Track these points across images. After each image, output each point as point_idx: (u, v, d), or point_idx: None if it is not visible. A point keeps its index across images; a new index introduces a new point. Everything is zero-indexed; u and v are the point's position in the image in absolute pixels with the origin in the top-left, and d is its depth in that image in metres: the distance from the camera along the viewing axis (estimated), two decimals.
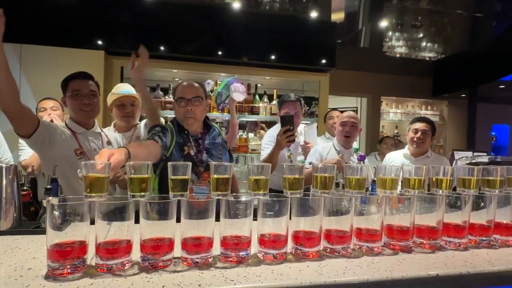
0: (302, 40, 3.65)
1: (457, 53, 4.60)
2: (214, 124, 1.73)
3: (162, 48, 3.30)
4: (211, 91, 3.00)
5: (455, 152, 4.35)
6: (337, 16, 4.17)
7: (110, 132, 1.85)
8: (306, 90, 3.99)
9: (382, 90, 4.80)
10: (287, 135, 1.81)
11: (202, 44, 3.44)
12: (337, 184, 1.95)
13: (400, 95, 4.92)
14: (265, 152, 2.17)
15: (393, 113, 4.94)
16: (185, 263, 0.78)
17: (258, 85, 3.88)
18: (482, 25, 4.32)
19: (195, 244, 0.78)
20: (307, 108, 3.79)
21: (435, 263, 0.83)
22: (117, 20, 3.11)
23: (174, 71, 3.49)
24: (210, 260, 0.79)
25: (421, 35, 4.57)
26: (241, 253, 0.79)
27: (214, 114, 3.22)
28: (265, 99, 3.51)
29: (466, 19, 4.33)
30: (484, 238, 1.01)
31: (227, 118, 3.33)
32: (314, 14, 3.69)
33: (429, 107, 5.10)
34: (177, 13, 3.34)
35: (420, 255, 0.89)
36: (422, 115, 5.06)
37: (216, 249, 0.82)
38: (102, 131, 1.73)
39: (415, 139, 2.48)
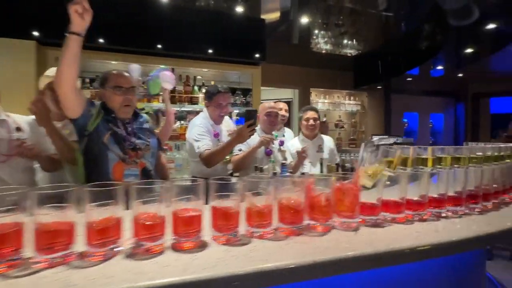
0: (236, 35, 4.12)
1: (372, 49, 5.48)
2: (142, 113, 1.85)
3: (100, 39, 3.48)
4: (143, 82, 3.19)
5: (373, 136, 5.23)
6: (273, 15, 4.75)
7: (21, 117, 1.76)
8: (242, 82, 4.47)
9: (311, 82, 5.51)
10: (251, 129, 1.94)
11: (142, 37, 3.70)
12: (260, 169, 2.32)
13: (326, 87, 5.69)
14: (203, 144, 2.10)
15: (321, 103, 5.69)
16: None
17: (198, 77, 4.27)
18: (393, 25, 5.25)
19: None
20: (244, 98, 4.30)
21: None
22: (51, 10, 3.18)
23: (113, 62, 3.68)
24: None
25: (343, 32, 5.37)
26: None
27: (148, 104, 3.52)
28: (203, 90, 3.90)
29: (379, 19, 5.23)
30: (372, 217, 0.95)
31: (158, 108, 3.61)
32: (246, 11, 4.21)
33: (352, 98, 5.97)
34: (115, 4, 3.50)
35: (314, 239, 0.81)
36: (345, 105, 5.92)
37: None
38: (8, 117, 1.68)
39: (309, 125, 2.85)
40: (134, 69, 2.76)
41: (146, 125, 1.74)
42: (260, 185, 0.85)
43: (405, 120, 6.81)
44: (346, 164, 2.72)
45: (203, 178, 0.81)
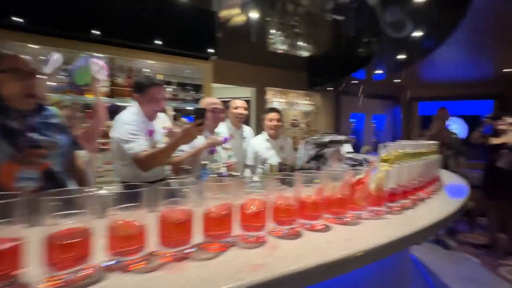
0: (186, 26, 3.76)
1: (324, 52, 5.58)
2: (51, 107, 1.59)
3: (22, 20, 2.82)
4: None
5: (324, 134, 5.33)
6: (232, 12, 4.49)
7: None
8: (194, 78, 4.12)
9: (267, 81, 5.40)
10: (199, 129, 1.77)
11: (74, 18, 3.11)
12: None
13: (282, 86, 5.64)
14: (138, 144, 1.83)
15: (277, 102, 5.62)
16: None
17: (144, 70, 3.80)
18: (342, 29, 5.40)
19: None
20: (195, 94, 3.97)
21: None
22: None
23: (33, 46, 3.02)
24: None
25: (298, 33, 5.37)
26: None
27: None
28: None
29: (331, 23, 5.34)
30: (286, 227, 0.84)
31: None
32: (198, 2, 3.86)
33: (306, 98, 6.04)
34: None
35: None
36: (300, 105, 5.95)
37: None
38: None
39: (272, 125, 3.02)
40: (53, 58, 2.31)
41: (54, 120, 1.51)
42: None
43: (353, 120, 7.16)
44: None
45: (135, 183, 0.67)
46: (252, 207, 0.76)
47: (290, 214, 0.83)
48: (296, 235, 0.82)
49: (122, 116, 1.96)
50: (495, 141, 4.16)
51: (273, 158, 2.84)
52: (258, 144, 2.98)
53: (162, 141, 2.07)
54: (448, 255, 4.19)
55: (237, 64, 4.97)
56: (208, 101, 2.38)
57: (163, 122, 2.22)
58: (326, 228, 0.90)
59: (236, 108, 2.85)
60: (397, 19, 4.31)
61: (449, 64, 5.66)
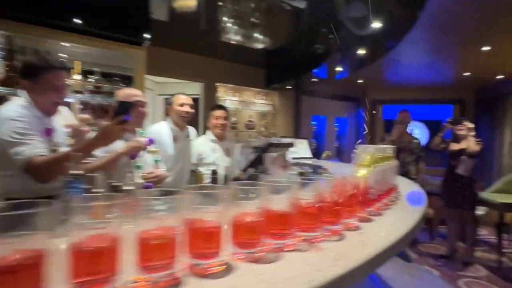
0: (112, 3, 3.13)
1: (283, 46, 5.16)
2: None
3: None
4: None
5: (281, 138, 4.89)
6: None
7: None
8: (124, 67, 3.48)
9: (218, 77, 4.87)
10: (122, 128, 1.44)
11: None
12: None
13: (236, 83, 5.14)
14: (31, 147, 1.40)
15: (229, 100, 5.11)
16: None
17: (61, 54, 3.11)
18: (302, 21, 5.02)
19: None
20: (124, 85, 3.33)
21: None
22: None
23: None
24: None
25: (254, 24, 4.92)
26: None
27: None
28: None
29: (290, 12, 4.95)
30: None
31: None
32: None
33: (263, 97, 5.58)
34: None
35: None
36: (257, 104, 5.48)
37: None
38: None
39: (219, 124, 2.78)
40: None
41: None
42: None
43: (314, 122, 6.84)
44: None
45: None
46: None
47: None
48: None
49: (5, 111, 1.48)
50: (455, 147, 4.01)
51: (220, 162, 2.64)
52: (202, 145, 2.73)
53: (64, 143, 1.70)
54: (408, 268, 4.02)
55: (181, 54, 4.39)
56: (127, 93, 1.99)
57: (65, 118, 1.82)
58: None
59: (182, 105, 2.46)
60: (356, 12, 4.02)
61: (412, 67, 5.51)
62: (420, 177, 4.12)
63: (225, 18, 4.79)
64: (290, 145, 2.08)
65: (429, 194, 5.49)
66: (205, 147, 2.75)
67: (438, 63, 5.29)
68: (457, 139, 4.04)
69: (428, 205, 5.71)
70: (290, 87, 5.50)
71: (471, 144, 3.79)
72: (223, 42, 4.63)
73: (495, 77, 5.97)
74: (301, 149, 4.97)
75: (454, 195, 3.96)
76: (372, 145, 1.69)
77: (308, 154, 4.97)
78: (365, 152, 1.44)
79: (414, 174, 4.04)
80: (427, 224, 4.82)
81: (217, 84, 4.91)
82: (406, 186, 2.07)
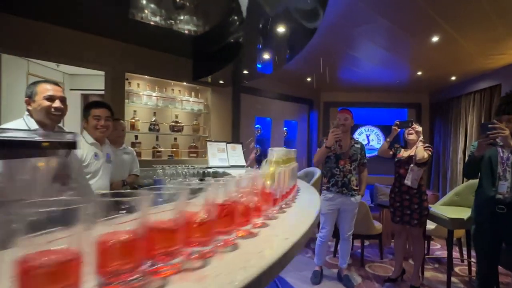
0: None
1: (214, 29, 4.38)
2: None
3: None
4: None
5: (208, 143, 4.11)
6: None
7: None
8: None
9: (131, 64, 4.00)
10: None
11: None
12: None
13: (156, 75, 4.29)
14: None
15: (147, 96, 4.24)
16: None
17: None
18: None
19: None
20: None
21: None
22: None
23: None
24: None
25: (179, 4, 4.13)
26: None
27: None
28: None
29: None
30: None
31: None
32: None
33: (193, 94, 4.78)
34: None
35: None
36: (184, 102, 4.66)
37: None
38: None
39: (100, 125, 2.46)
40: None
41: None
42: None
43: (258, 126, 6.14)
44: None
45: None
46: None
47: None
48: None
49: None
50: (404, 153, 3.50)
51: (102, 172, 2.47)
52: (83, 148, 2.44)
53: None
54: None
55: (80, 33, 3.50)
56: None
57: None
58: None
59: (49, 98, 1.96)
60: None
61: (366, 65, 4.99)
62: (361, 188, 3.56)
63: None
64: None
65: (381, 206, 4.95)
66: (86, 150, 2.43)
67: (395, 62, 4.82)
68: (407, 144, 3.54)
69: (379, 219, 4.79)
70: (222, 82, 4.74)
71: (419, 150, 3.27)
72: (138, 23, 3.79)
73: (449, 78, 5.67)
74: (234, 156, 4.22)
75: (401, 208, 3.44)
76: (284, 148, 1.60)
77: (241, 161, 4.23)
78: (273, 154, 1.44)
79: (356, 184, 3.46)
80: (377, 238, 4.29)
81: (128, 74, 4.03)
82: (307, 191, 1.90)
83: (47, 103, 1.92)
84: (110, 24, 3.62)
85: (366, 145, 7.08)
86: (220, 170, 3.48)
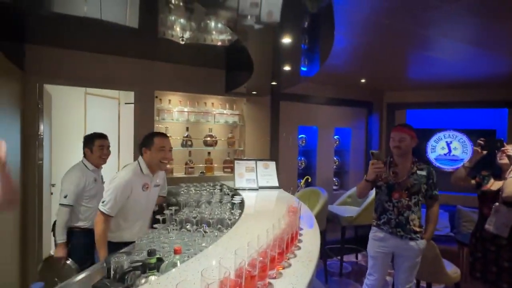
0: None
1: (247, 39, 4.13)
2: None
3: None
4: None
5: (235, 161, 3.87)
6: None
7: None
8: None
9: (158, 83, 4.04)
10: None
11: None
12: None
13: (187, 90, 4.26)
14: None
15: (178, 111, 4.23)
16: None
17: None
18: None
19: None
20: None
21: None
22: None
23: None
24: None
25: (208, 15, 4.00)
26: None
27: None
28: None
29: None
30: None
31: None
32: None
33: (228, 106, 4.61)
34: None
35: None
36: (218, 115, 4.53)
37: None
38: None
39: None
40: None
41: None
42: None
43: (303, 136, 5.62)
44: None
45: None
46: None
47: None
48: None
49: None
50: (491, 186, 2.66)
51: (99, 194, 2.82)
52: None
53: None
54: None
55: (105, 56, 3.67)
56: None
57: None
58: None
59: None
60: None
61: (446, 54, 3.91)
62: (428, 229, 2.72)
63: (167, 16, 3.97)
64: None
65: (460, 243, 3.78)
66: (88, 177, 2.88)
67: (486, 44, 3.65)
68: (500, 172, 2.65)
69: (458, 259, 3.69)
70: (257, 91, 4.42)
71: (508, 183, 2.40)
72: (165, 41, 3.80)
73: None
74: (265, 175, 3.90)
75: (483, 261, 2.59)
76: None
77: (274, 181, 3.86)
78: None
79: (419, 226, 2.66)
80: None
81: (157, 92, 4.09)
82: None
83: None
84: (139, 45, 3.69)
85: (447, 155, 5.84)
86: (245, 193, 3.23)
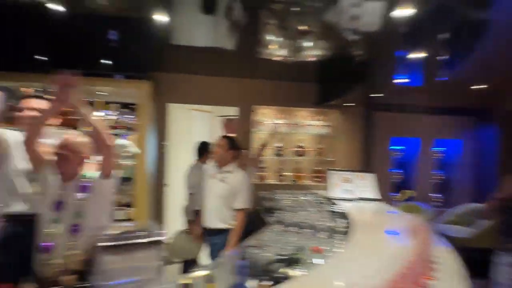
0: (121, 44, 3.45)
1: (342, 51, 4.26)
2: None
3: None
4: None
5: (328, 172, 3.99)
6: None
7: None
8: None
9: (256, 99, 4.51)
10: None
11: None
12: None
13: (280, 103, 4.61)
14: None
15: (270, 123, 4.62)
16: None
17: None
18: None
19: None
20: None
21: None
22: None
23: None
24: None
25: (303, 32, 4.29)
26: None
27: None
28: None
29: None
30: None
31: None
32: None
33: (319, 117, 4.78)
34: None
35: None
36: (308, 126, 4.75)
37: None
38: None
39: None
40: None
41: None
42: None
43: (399, 147, 5.31)
44: None
45: None
46: None
47: None
48: None
49: None
50: None
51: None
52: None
53: None
54: None
55: (206, 78, 4.33)
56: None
57: None
58: None
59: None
60: None
61: None
62: None
63: (265, 36, 4.42)
64: None
65: None
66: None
67: None
68: None
69: None
70: (351, 102, 4.46)
71: None
72: (261, 60, 4.26)
73: None
74: (361, 186, 3.92)
75: None
76: None
77: (374, 193, 3.83)
78: None
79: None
80: None
81: (255, 107, 4.57)
82: None
83: None
84: (240, 65, 4.24)
85: None
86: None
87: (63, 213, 1.55)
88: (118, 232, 1.46)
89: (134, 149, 3.53)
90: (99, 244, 1.31)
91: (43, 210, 1.56)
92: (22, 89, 3.37)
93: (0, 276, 1.46)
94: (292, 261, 1.68)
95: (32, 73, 3.34)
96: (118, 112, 3.72)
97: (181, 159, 4.36)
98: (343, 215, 2.69)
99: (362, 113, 4.79)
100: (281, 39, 4.45)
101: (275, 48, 4.50)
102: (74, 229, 1.53)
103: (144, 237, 2.00)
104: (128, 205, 3.53)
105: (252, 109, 4.51)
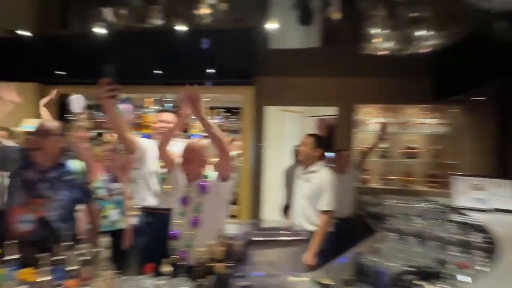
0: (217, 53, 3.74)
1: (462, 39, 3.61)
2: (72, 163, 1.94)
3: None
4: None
5: (452, 177, 3.44)
6: None
7: None
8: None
9: (356, 97, 4.22)
10: None
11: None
12: None
13: (387, 101, 4.20)
14: None
15: (373, 122, 4.24)
16: None
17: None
18: None
19: None
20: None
21: None
22: None
23: None
24: None
25: (414, 20, 3.79)
26: None
27: None
28: None
29: None
30: None
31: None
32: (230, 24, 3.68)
33: (432, 115, 4.14)
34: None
35: None
36: (422, 125, 4.18)
37: None
38: None
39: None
40: (75, 100, 2.88)
41: (67, 177, 1.80)
42: None
43: None
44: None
45: None
46: None
47: None
48: None
49: None
50: None
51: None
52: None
53: None
54: None
55: (304, 79, 4.27)
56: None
57: None
58: None
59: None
60: None
61: None
62: None
63: (371, 28, 4.05)
64: None
65: None
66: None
67: None
68: None
69: None
70: (476, 98, 3.70)
71: None
72: (364, 56, 3.96)
73: None
74: (497, 196, 3.26)
75: None
76: None
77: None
78: None
79: None
80: None
81: (356, 106, 4.29)
82: None
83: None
84: (342, 65, 4.05)
85: None
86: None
87: (188, 207, 1.78)
88: (265, 227, 1.57)
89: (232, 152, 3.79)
90: (250, 237, 1.45)
91: (173, 205, 1.85)
92: (146, 99, 4.05)
93: (143, 258, 1.89)
94: (428, 274, 1.49)
95: (150, 85, 3.98)
96: (221, 117, 4.11)
97: (275, 160, 4.47)
98: (479, 229, 2.30)
99: (496, 108, 3.91)
100: (387, 31, 4.06)
101: (380, 41, 4.13)
102: (194, 222, 1.74)
103: (290, 235, 2.15)
104: (233, 203, 3.83)
105: (354, 108, 4.26)
